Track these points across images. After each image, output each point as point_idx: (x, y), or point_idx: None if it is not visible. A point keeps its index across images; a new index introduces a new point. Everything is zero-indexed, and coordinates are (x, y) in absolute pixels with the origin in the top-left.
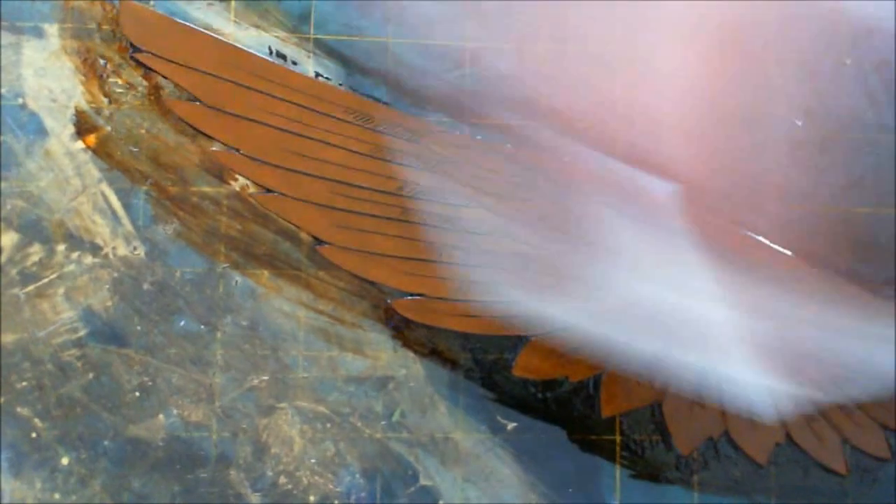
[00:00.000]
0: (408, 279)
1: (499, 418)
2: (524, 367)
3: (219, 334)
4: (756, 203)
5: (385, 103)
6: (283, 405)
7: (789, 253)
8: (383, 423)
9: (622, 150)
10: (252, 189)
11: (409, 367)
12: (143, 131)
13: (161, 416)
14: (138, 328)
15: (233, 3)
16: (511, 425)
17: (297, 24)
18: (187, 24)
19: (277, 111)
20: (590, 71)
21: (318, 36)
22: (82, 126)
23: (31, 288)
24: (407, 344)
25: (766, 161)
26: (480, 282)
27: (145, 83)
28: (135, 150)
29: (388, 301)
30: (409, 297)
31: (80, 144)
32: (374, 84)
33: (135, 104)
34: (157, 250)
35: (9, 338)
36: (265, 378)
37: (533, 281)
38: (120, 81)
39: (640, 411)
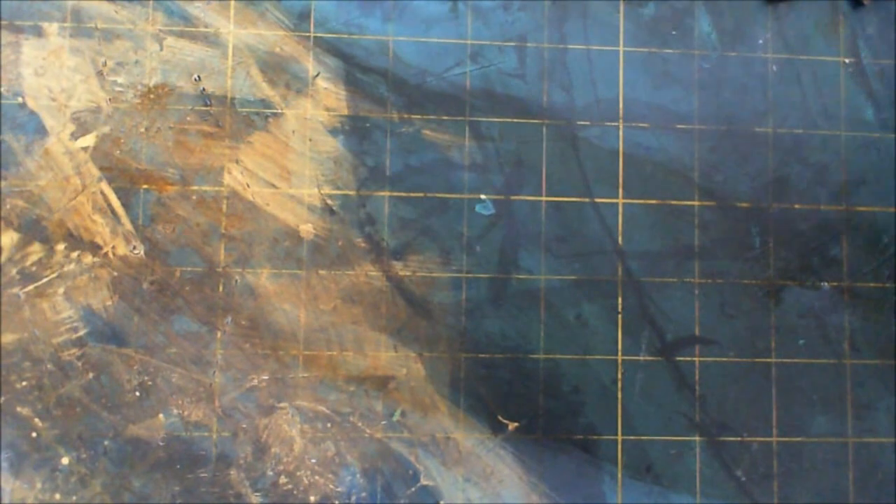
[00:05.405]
0: None
1: (500, 418)
2: None
3: (219, 334)
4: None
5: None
6: (283, 405)
7: None
8: (384, 422)
9: None
10: (252, 188)
11: (410, 367)
12: (142, 130)
13: (161, 416)
14: (138, 328)
15: (232, 2)
16: (512, 425)
17: (298, 22)
18: None
19: None
20: None
21: (319, 34)
22: (82, 125)
23: (30, 287)
24: (407, 343)
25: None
26: None
27: (144, 82)
28: (134, 149)
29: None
30: None
31: (79, 143)
32: (374, 82)
33: (134, 103)
34: (157, 250)
35: (9, 337)
36: (265, 378)
37: None
38: (119, 80)
39: (641, 410)
